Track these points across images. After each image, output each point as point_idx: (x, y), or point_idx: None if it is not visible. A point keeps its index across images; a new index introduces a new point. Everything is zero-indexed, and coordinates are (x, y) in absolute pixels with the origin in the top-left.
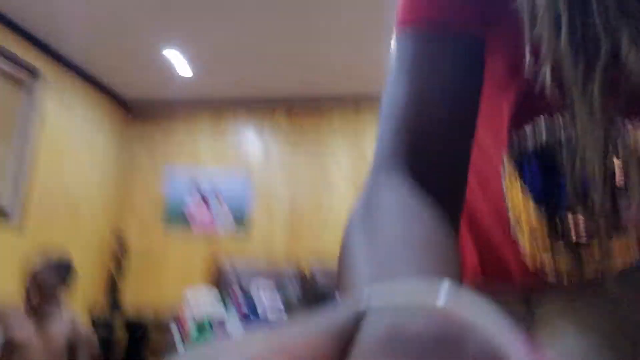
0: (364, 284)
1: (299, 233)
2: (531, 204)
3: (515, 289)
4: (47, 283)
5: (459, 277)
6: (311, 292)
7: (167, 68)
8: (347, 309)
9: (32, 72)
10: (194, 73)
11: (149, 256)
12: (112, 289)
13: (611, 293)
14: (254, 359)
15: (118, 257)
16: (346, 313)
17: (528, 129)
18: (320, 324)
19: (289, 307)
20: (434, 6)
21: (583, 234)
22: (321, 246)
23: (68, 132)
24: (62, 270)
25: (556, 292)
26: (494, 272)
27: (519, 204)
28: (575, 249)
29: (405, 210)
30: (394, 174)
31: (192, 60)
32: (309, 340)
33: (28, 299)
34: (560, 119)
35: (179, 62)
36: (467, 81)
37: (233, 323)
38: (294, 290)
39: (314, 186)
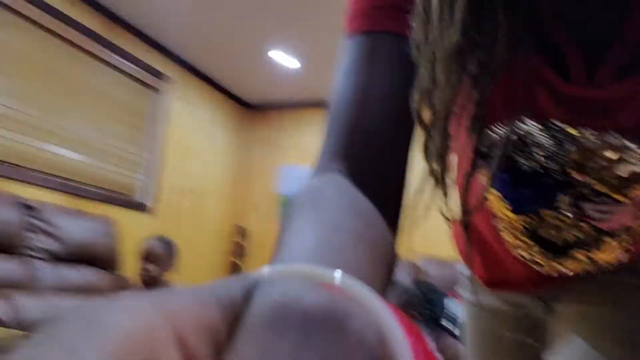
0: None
1: (411, 229)
2: (503, 204)
3: (527, 289)
4: (157, 257)
5: (386, 268)
6: (424, 287)
7: (279, 69)
8: (238, 281)
9: (160, 77)
10: (304, 73)
11: (265, 244)
12: (234, 271)
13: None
14: (139, 325)
15: (239, 243)
16: (237, 284)
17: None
18: (209, 293)
19: (402, 304)
20: (373, 15)
21: (552, 232)
22: (431, 242)
23: (192, 131)
24: (168, 248)
25: (568, 291)
26: (497, 273)
27: (495, 202)
28: (546, 244)
29: (344, 205)
30: (336, 170)
31: (303, 61)
32: (197, 309)
33: (142, 270)
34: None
35: (290, 63)
36: (406, 81)
37: None
38: (407, 287)
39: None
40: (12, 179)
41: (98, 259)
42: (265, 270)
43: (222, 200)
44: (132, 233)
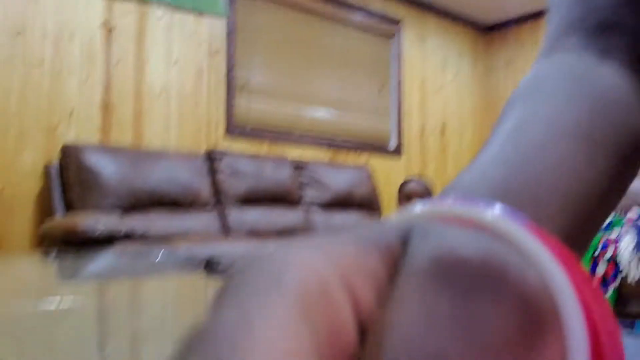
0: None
1: None
2: None
3: None
4: (417, 197)
5: (619, 164)
6: None
7: None
8: (393, 225)
9: (392, 21)
10: None
11: None
12: None
13: None
14: (315, 282)
15: None
16: (392, 228)
17: None
18: (368, 238)
19: None
20: None
21: None
22: None
23: (432, 68)
24: (426, 187)
25: None
26: None
27: None
28: None
29: (567, 89)
30: (566, 48)
31: None
32: (360, 255)
33: (399, 202)
34: None
35: None
36: None
37: (627, 243)
38: None
39: None
40: (284, 142)
41: (361, 203)
42: (418, 209)
43: (470, 134)
44: (388, 176)
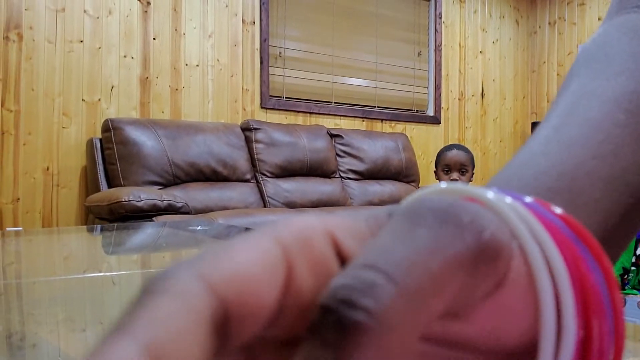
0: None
1: None
2: None
3: None
4: (460, 165)
5: None
6: None
7: None
8: (389, 206)
9: None
10: None
11: None
12: None
13: None
14: (303, 225)
15: None
16: (384, 208)
17: None
18: (359, 214)
19: None
20: None
21: None
22: None
23: (472, 32)
24: (469, 155)
25: None
26: None
27: None
28: None
29: (633, 52)
30: (631, 8)
31: None
32: (347, 220)
33: (449, 179)
34: None
35: None
36: None
37: None
38: None
39: None
40: (320, 112)
41: (398, 173)
42: (425, 190)
43: (512, 99)
44: (426, 145)
